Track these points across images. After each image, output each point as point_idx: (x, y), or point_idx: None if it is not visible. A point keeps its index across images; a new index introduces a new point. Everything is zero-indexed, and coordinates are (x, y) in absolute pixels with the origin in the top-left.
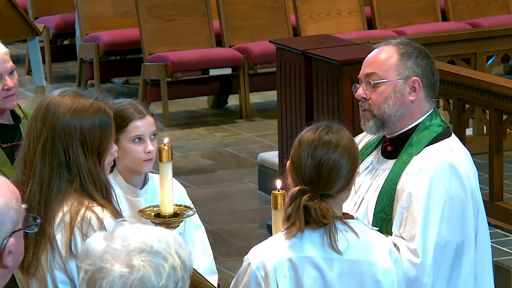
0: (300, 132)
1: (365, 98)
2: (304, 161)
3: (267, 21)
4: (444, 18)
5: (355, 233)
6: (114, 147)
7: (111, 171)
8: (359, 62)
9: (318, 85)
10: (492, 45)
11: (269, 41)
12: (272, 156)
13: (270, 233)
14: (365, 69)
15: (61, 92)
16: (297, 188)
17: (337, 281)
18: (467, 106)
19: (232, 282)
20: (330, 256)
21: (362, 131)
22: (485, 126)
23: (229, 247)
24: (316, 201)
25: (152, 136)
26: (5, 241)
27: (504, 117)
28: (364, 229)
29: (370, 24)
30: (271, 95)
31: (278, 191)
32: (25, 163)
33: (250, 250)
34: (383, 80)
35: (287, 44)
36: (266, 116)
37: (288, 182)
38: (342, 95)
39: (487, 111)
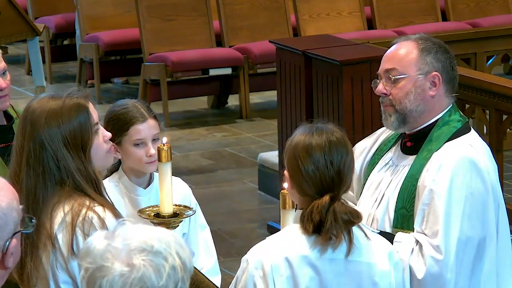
0: None
1: (385, 94)
2: (323, 168)
3: (267, 21)
4: (444, 18)
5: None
6: (107, 134)
7: (117, 170)
8: (359, 62)
9: (318, 85)
10: (492, 45)
11: (269, 41)
12: (272, 156)
13: (270, 233)
14: (384, 64)
15: (35, 100)
16: (327, 196)
17: (334, 281)
18: (467, 106)
19: (232, 282)
20: (328, 256)
21: (362, 132)
22: (485, 126)
23: (229, 247)
24: (341, 204)
25: (155, 139)
26: (8, 243)
27: (504, 117)
28: (364, 231)
29: (370, 24)
30: (271, 95)
31: (287, 190)
32: (12, 179)
33: (249, 250)
34: (403, 76)
35: (287, 44)
36: (266, 116)
37: (286, 190)
38: (342, 95)
39: (487, 111)
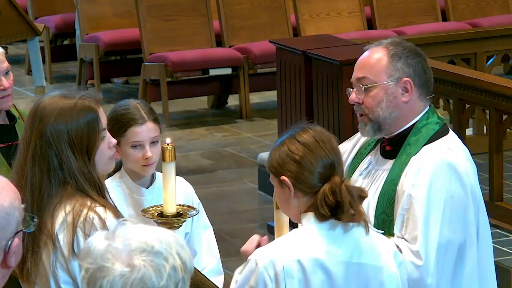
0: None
1: (358, 103)
2: (323, 155)
3: (267, 21)
4: (444, 18)
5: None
6: (113, 141)
7: (119, 169)
8: None
9: (318, 85)
10: (492, 45)
11: (269, 41)
12: None
13: (270, 233)
14: (356, 73)
15: (49, 97)
16: (336, 177)
17: (343, 284)
18: (467, 106)
19: (239, 283)
20: (340, 259)
21: None
22: (485, 126)
23: (229, 247)
24: (348, 181)
25: (153, 142)
26: (10, 242)
27: (504, 117)
28: (370, 231)
29: (370, 24)
30: (271, 95)
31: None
32: (18, 173)
33: (255, 251)
34: (374, 84)
35: (287, 44)
36: (266, 116)
37: (292, 198)
38: (342, 95)
39: (487, 111)
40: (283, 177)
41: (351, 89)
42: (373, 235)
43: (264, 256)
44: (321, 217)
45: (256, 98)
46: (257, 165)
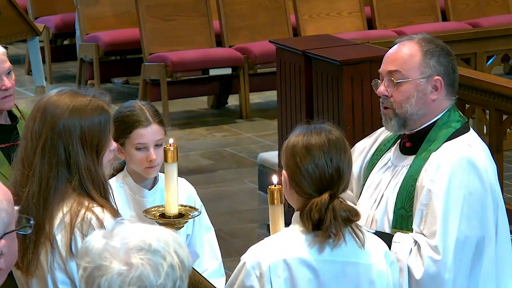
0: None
1: (387, 96)
2: (322, 165)
3: (267, 21)
4: (444, 18)
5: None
6: (113, 144)
7: (121, 170)
8: (359, 62)
9: (318, 85)
10: (492, 45)
11: (269, 41)
12: (272, 156)
13: (270, 233)
14: (387, 65)
15: (58, 92)
16: (327, 194)
17: (332, 283)
18: (467, 106)
19: (228, 281)
20: (325, 258)
21: (362, 132)
22: (485, 126)
23: (229, 247)
24: (339, 202)
25: (158, 144)
26: None
27: (504, 117)
28: (361, 232)
29: (370, 24)
30: (271, 95)
31: (275, 186)
32: (23, 163)
33: (248, 250)
34: (406, 80)
35: (287, 44)
36: (266, 116)
37: (287, 190)
38: (342, 95)
39: (487, 111)
40: (283, 172)
41: (379, 81)
42: (364, 235)
43: (252, 255)
44: (304, 229)
45: (256, 98)
46: (257, 165)
